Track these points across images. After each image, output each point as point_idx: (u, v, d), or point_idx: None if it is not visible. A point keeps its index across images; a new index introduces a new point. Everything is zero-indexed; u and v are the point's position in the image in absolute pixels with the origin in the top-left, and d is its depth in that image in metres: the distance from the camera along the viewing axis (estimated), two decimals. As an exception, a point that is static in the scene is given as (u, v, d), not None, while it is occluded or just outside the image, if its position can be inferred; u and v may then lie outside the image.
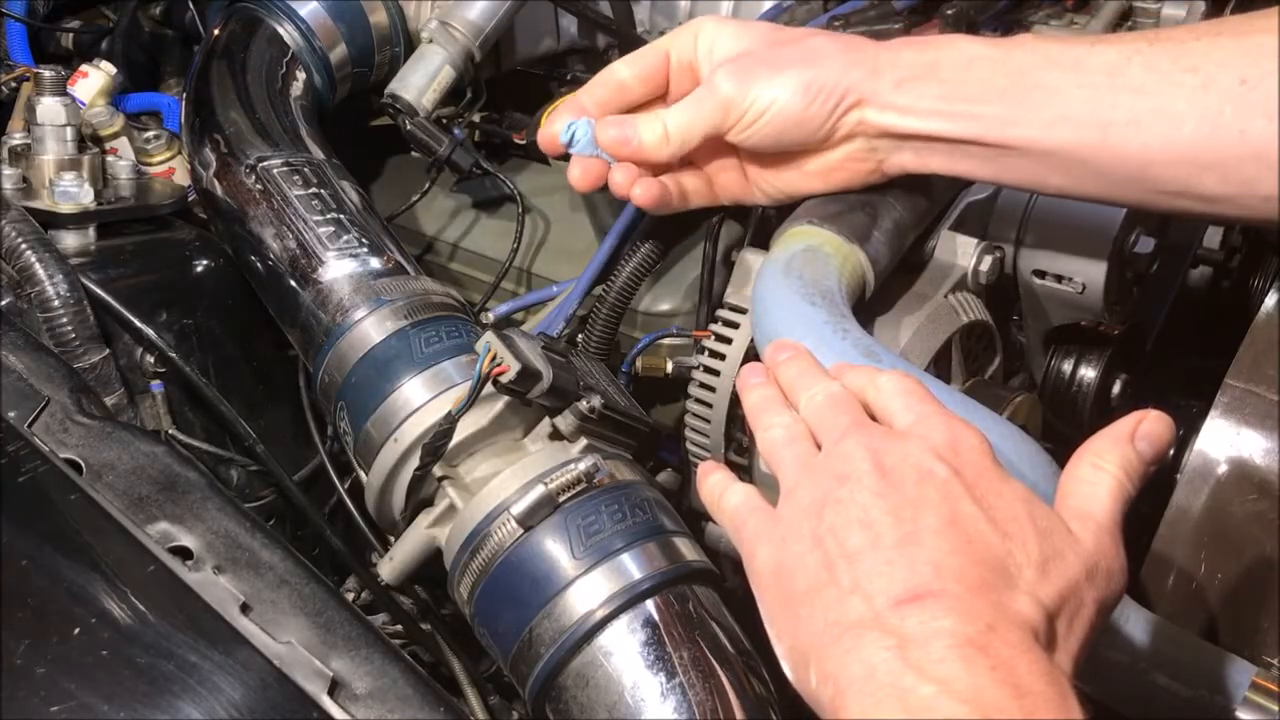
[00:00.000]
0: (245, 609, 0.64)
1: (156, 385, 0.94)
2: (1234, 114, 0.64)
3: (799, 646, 0.54)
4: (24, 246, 0.87)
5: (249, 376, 1.02)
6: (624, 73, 0.83)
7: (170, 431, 0.94)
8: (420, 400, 0.80)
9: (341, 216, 0.93)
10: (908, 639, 0.50)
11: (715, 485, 0.65)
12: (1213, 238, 1.15)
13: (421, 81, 1.12)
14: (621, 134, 0.80)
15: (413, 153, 1.19)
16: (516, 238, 1.07)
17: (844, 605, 0.52)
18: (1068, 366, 0.98)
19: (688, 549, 0.74)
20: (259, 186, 0.95)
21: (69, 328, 0.87)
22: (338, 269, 0.89)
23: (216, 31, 1.12)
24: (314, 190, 0.95)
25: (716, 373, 0.86)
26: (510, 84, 1.29)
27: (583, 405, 0.74)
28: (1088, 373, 0.97)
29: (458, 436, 0.75)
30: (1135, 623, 0.69)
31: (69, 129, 1.00)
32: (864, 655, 0.50)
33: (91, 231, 0.98)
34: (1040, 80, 0.69)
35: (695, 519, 0.90)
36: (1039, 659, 0.49)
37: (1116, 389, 0.98)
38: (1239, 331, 0.83)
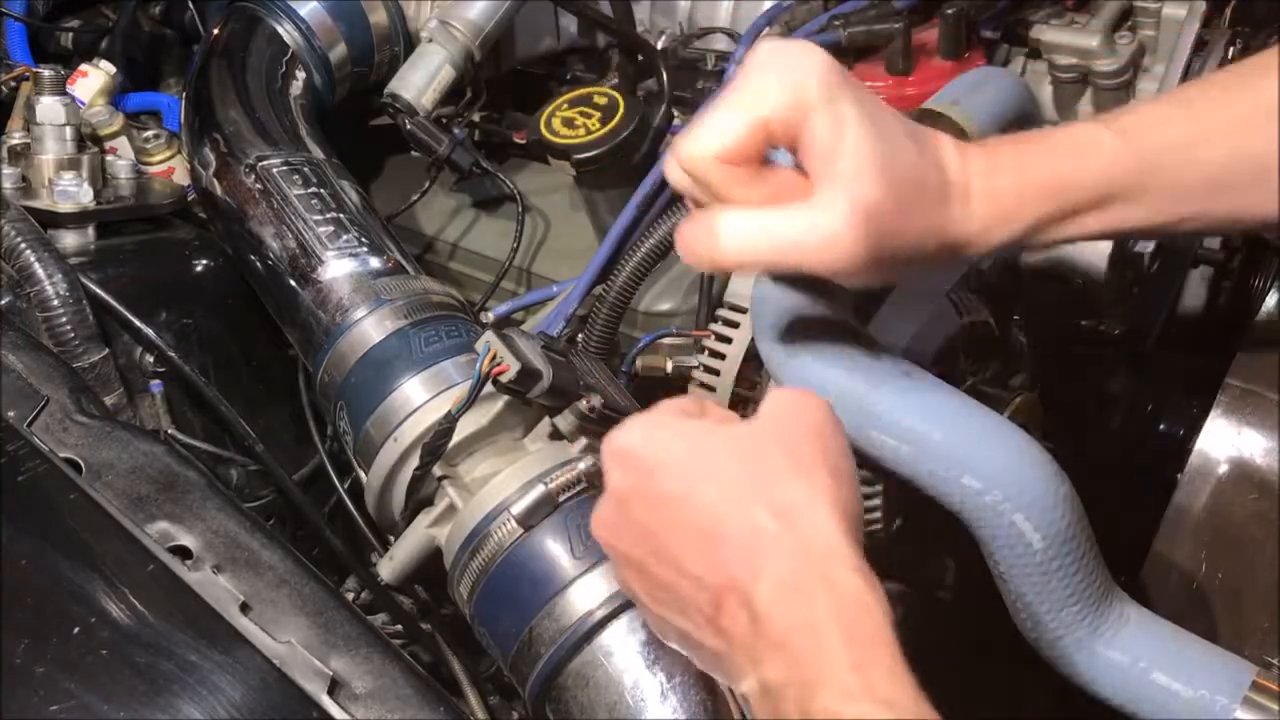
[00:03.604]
0: (245, 609, 0.64)
1: (156, 385, 0.94)
2: None
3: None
4: (23, 246, 0.87)
5: (249, 376, 1.02)
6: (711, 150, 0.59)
7: (169, 431, 0.94)
8: (420, 400, 0.80)
9: (341, 216, 0.93)
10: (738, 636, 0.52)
11: None
12: (1213, 238, 1.15)
13: (421, 81, 1.12)
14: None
15: (413, 152, 1.19)
16: (516, 238, 1.07)
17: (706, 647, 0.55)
18: (1068, 367, 0.98)
19: (688, 549, 0.73)
20: (258, 186, 0.95)
21: (68, 327, 0.87)
22: (337, 268, 0.89)
23: (216, 31, 1.12)
24: (313, 190, 0.95)
25: (716, 372, 0.86)
26: (510, 84, 1.29)
27: (582, 405, 0.74)
28: (1088, 373, 0.97)
29: (458, 436, 0.75)
30: (1135, 623, 0.69)
31: (68, 128, 1.01)
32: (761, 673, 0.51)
33: (91, 231, 0.98)
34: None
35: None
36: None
37: (1116, 389, 0.98)
38: (1239, 331, 0.83)
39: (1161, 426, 0.98)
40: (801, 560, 0.51)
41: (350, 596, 0.92)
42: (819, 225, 0.57)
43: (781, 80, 0.57)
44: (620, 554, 0.58)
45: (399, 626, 0.89)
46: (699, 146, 0.58)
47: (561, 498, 0.71)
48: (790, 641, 0.50)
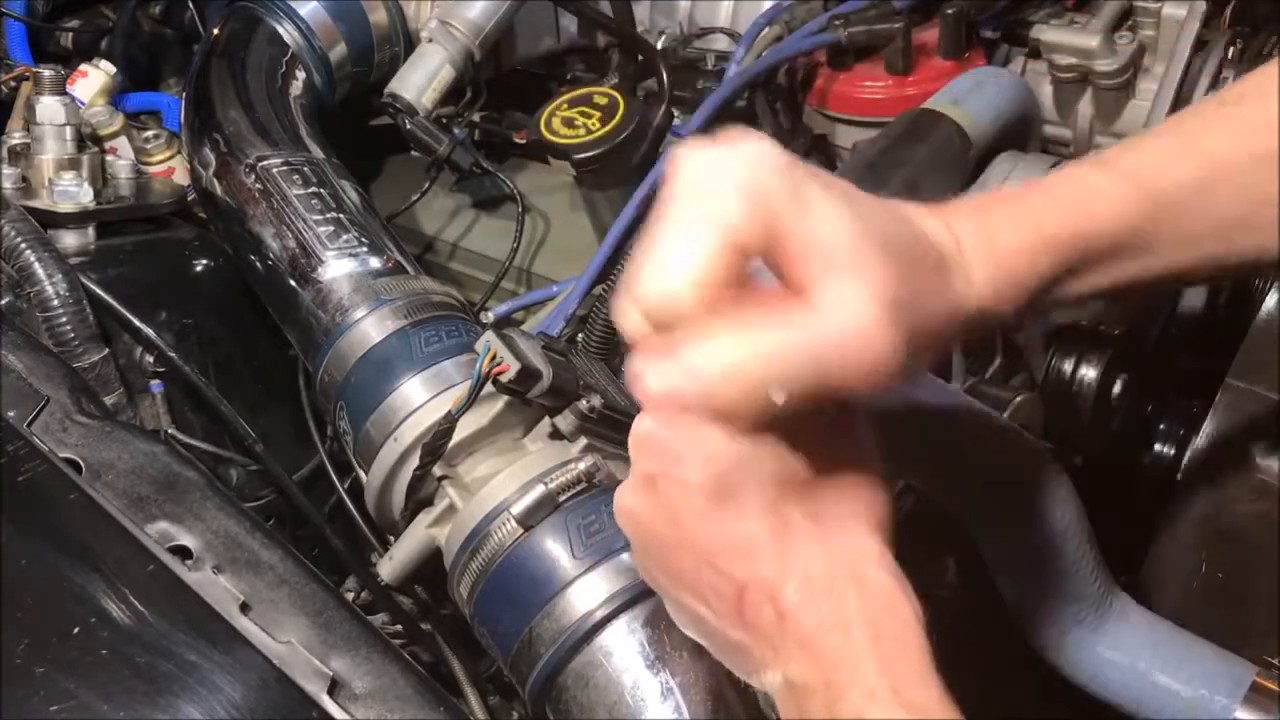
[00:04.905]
0: (245, 609, 0.64)
1: (156, 385, 0.94)
2: None
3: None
4: (23, 246, 0.87)
5: (249, 376, 1.02)
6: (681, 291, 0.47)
7: (170, 431, 0.94)
8: (420, 400, 0.80)
9: (341, 216, 0.93)
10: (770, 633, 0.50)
11: None
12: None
13: (421, 81, 1.12)
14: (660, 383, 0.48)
15: (413, 152, 1.19)
16: (516, 238, 1.07)
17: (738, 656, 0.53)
18: (1068, 366, 0.97)
19: (688, 549, 0.73)
20: (258, 186, 0.95)
21: (68, 327, 0.87)
22: (337, 268, 0.89)
23: (216, 31, 1.12)
24: (313, 189, 0.95)
25: (716, 372, 0.86)
26: (510, 84, 1.29)
27: (583, 405, 0.74)
28: (1088, 373, 0.97)
29: (457, 436, 0.75)
30: (1135, 623, 0.69)
31: (68, 128, 1.00)
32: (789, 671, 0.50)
33: (91, 231, 0.98)
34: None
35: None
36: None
37: (1116, 389, 0.98)
38: (1239, 331, 0.83)
39: (1161, 426, 0.98)
40: (832, 558, 0.50)
41: (350, 596, 0.92)
42: (842, 322, 0.45)
43: (738, 180, 0.46)
44: (640, 538, 0.56)
45: (399, 626, 0.89)
46: (668, 281, 0.46)
47: (561, 498, 0.71)
48: (817, 640, 0.49)
